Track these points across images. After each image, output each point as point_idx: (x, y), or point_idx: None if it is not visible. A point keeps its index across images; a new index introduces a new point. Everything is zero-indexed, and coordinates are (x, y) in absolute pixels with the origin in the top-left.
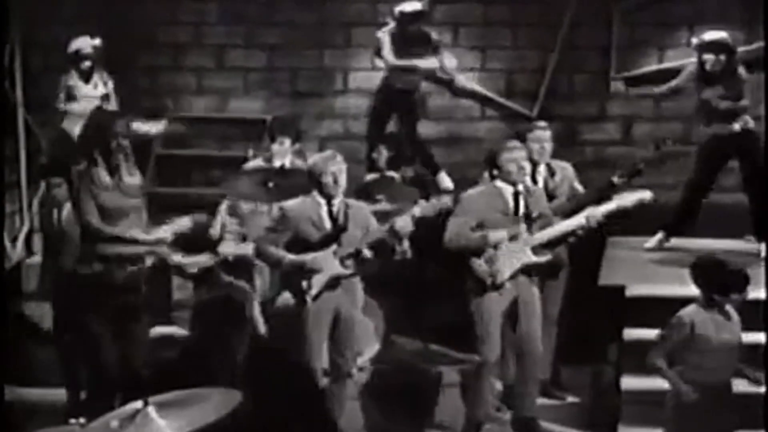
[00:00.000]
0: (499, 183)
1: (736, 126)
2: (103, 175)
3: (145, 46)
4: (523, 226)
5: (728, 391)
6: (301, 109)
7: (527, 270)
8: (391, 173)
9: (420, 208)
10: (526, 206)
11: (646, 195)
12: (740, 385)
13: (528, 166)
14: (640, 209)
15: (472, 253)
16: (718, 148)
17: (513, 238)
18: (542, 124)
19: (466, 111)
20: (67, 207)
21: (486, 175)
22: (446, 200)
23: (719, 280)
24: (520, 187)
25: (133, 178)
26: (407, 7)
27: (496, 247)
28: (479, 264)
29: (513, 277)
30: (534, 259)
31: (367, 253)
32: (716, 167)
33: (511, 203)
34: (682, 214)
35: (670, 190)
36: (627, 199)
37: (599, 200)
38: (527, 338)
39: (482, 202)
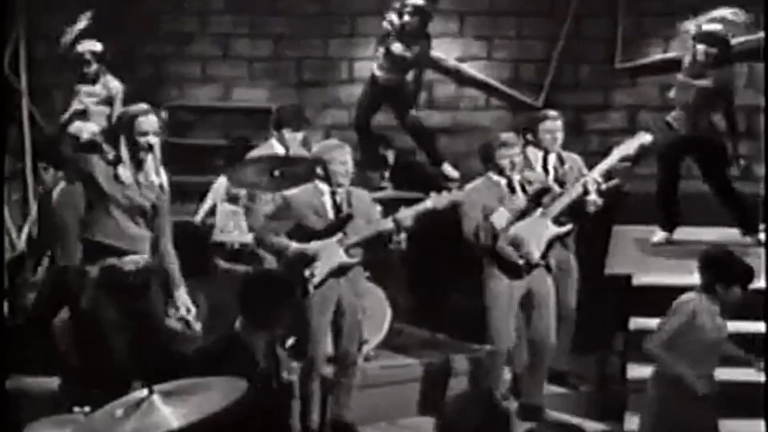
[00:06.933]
0: (494, 176)
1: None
2: (124, 173)
3: (150, 35)
4: (533, 216)
5: (711, 383)
6: (306, 99)
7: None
8: None
9: (432, 201)
10: (525, 193)
11: (647, 138)
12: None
13: (519, 160)
14: (645, 201)
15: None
16: (676, 144)
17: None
18: (554, 113)
19: (471, 100)
20: (57, 191)
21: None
22: (458, 194)
23: (727, 268)
24: (516, 178)
25: (158, 178)
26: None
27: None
28: (509, 250)
29: (545, 255)
30: (557, 230)
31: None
32: (675, 161)
33: (508, 193)
34: (663, 210)
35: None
36: (628, 146)
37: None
38: (540, 329)
39: (482, 194)
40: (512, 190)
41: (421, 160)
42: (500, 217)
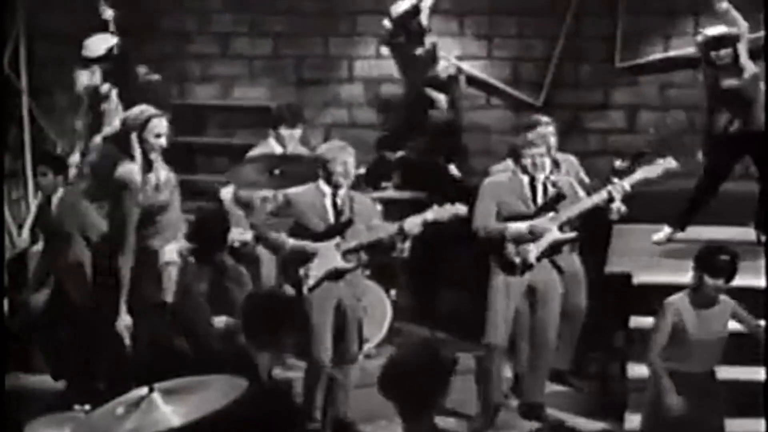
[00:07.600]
0: (519, 173)
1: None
2: (141, 174)
3: (150, 34)
4: (542, 218)
5: (711, 381)
6: (306, 97)
7: (554, 250)
8: None
9: (433, 213)
10: (545, 195)
11: (672, 164)
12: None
13: (543, 161)
14: (645, 197)
15: (495, 242)
16: (733, 142)
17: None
18: (546, 119)
19: (472, 99)
20: (57, 196)
21: (510, 162)
22: (461, 208)
23: (712, 258)
24: (540, 177)
25: (166, 174)
26: (399, 8)
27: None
28: (508, 248)
29: (541, 257)
30: (560, 236)
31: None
32: (731, 162)
33: (529, 192)
34: (690, 209)
35: (677, 178)
36: (653, 170)
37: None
38: (540, 325)
39: (503, 188)
40: (533, 189)
41: (421, 160)
42: (515, 229)
